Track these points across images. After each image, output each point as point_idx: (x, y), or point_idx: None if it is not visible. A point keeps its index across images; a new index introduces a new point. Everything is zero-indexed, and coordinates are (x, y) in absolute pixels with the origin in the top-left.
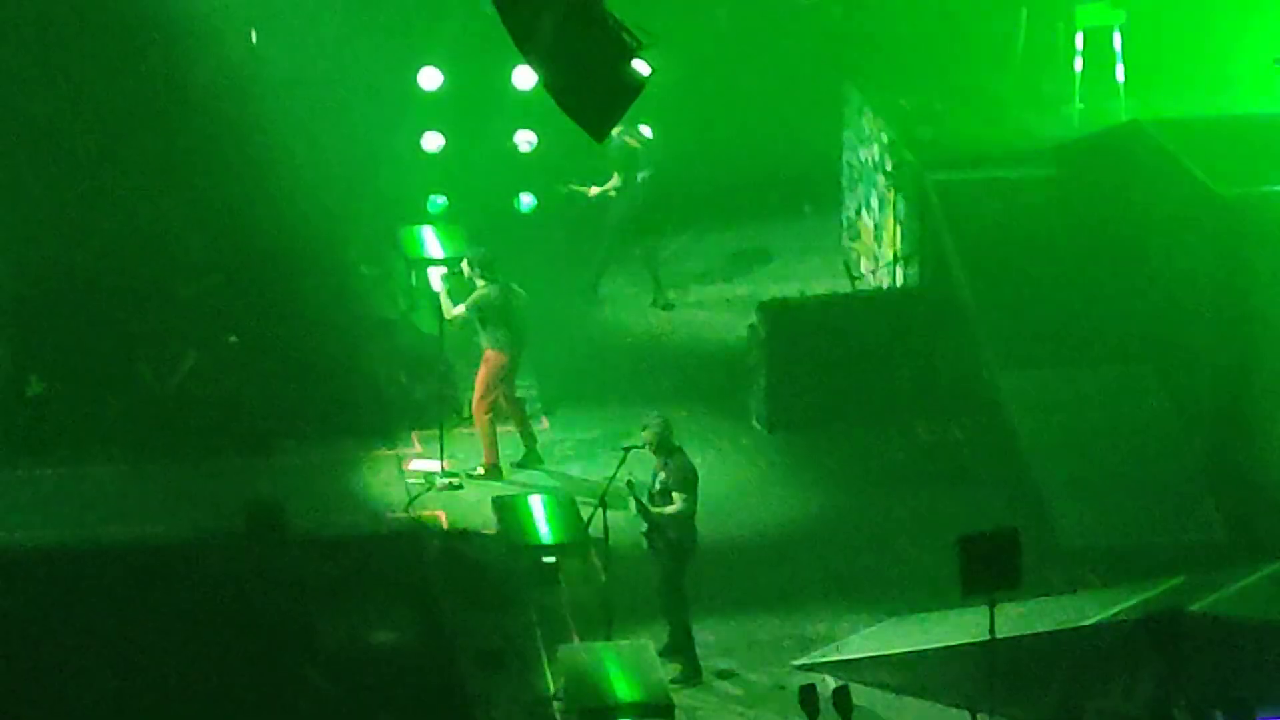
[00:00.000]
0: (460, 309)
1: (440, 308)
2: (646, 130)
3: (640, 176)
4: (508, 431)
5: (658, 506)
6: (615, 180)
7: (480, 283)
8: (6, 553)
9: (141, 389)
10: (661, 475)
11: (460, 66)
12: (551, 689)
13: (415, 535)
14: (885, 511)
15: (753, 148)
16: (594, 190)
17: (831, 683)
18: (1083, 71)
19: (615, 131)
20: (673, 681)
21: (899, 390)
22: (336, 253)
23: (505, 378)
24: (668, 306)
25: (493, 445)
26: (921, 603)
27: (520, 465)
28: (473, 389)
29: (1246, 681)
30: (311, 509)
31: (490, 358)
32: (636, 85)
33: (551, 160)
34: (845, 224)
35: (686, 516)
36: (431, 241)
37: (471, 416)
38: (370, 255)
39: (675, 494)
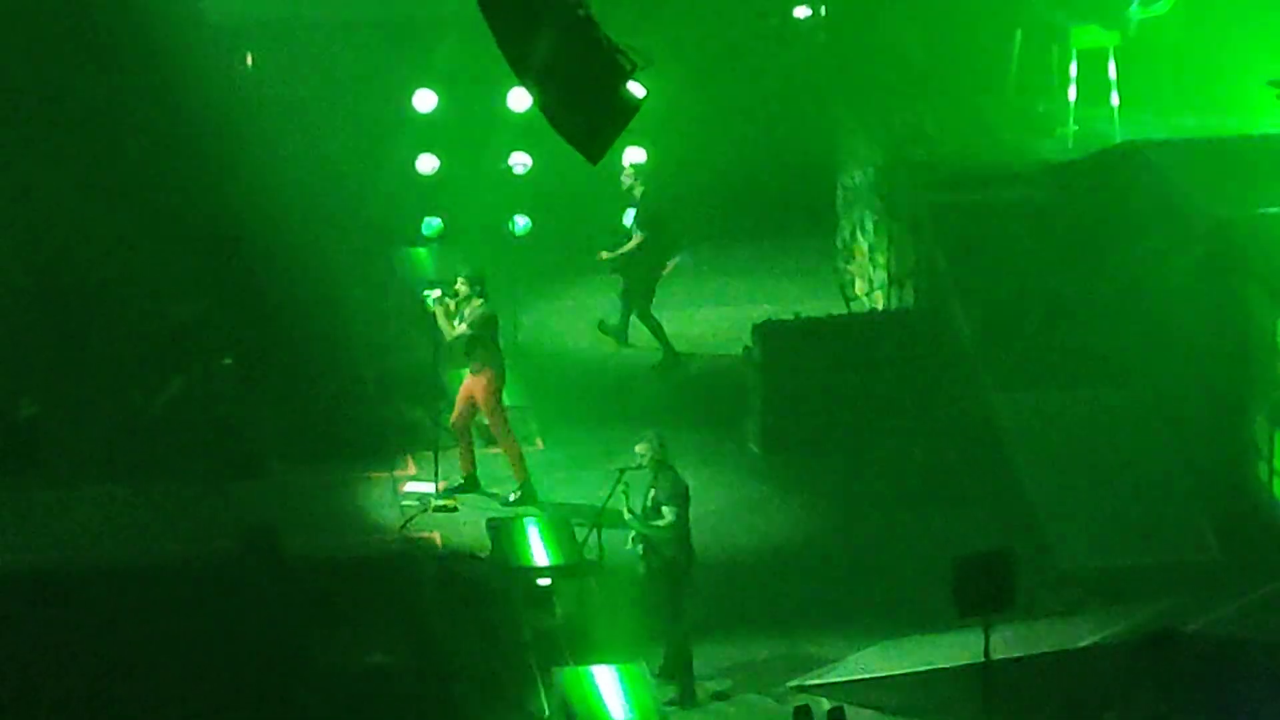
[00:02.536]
0: (463, 328)
1: (438, 328)
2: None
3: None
4: (490, 451)
5: (651, 522)
6: (637, 239)
7: (476, 301)
8: None
9: (135, 411)
10: (653, 491)
11: (455, 89)
12: (546, 711)
13: (409, 557)
14: (880, 533)
15: (746, 169)
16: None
17: (826, 704)
18: (1077, 94)
19: (631, 183)
20: (668, 703)
21: (894, 412)
22: (331, 275)
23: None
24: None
25: (521, 461)
26: (916, 624)
27: (458, 490)
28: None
29: (1243, 703)
30: (305, 531)
31: (488, 376)
32: (632, 107)
33: (546, 183)
34: (839, 245)
35: (679, 531)
36: (426, 264)
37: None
38: (365, 277)
39: (665, 508)
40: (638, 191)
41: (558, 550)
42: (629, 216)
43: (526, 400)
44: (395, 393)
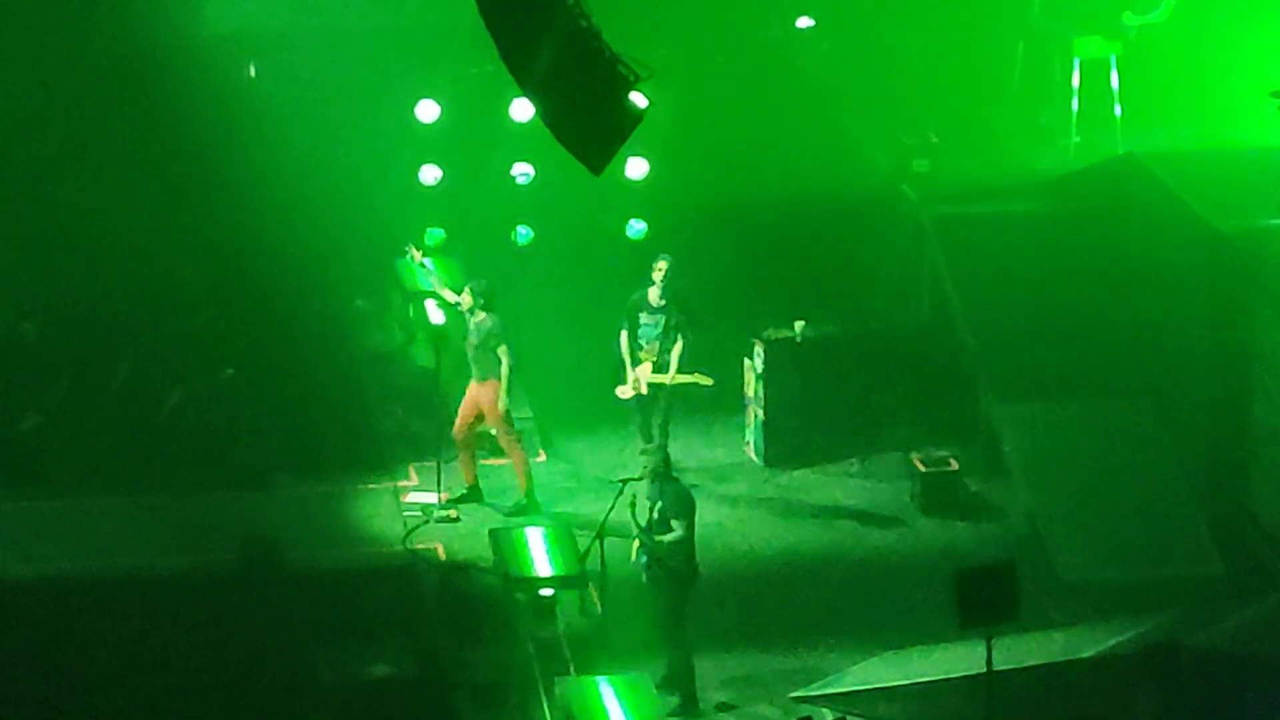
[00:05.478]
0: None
1: (441, 338)
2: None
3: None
4: (491, 462)
5: (657, 534)
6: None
7: (481, 314)
8: (1, 586)
9: (138, 423)
10: (659, 503)
11: (458, 99)
12: None
13: (412, 568)
14: (882, 544)
15: (749, 181)
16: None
17: (829, 715)
18: (1080, 104)
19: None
20: (670, 714)
21: (896, 423)
22: (333, 286)
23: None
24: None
25: (527, 471)
26: (919, 635)
27: (460, 501)
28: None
29: (1245, 717)
30: (308, 542)
31: (494, 387)
32: (634, 117)
33: (549, 193)
34: (842, 256)
35: (685, 544)
36: (428, 274)
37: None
38: (367, 288)
39: (673, 521)
40: (659, 290)
41: (560, 561)
42: (652, 322)
43: (529, 411)
44: (397, 404)
